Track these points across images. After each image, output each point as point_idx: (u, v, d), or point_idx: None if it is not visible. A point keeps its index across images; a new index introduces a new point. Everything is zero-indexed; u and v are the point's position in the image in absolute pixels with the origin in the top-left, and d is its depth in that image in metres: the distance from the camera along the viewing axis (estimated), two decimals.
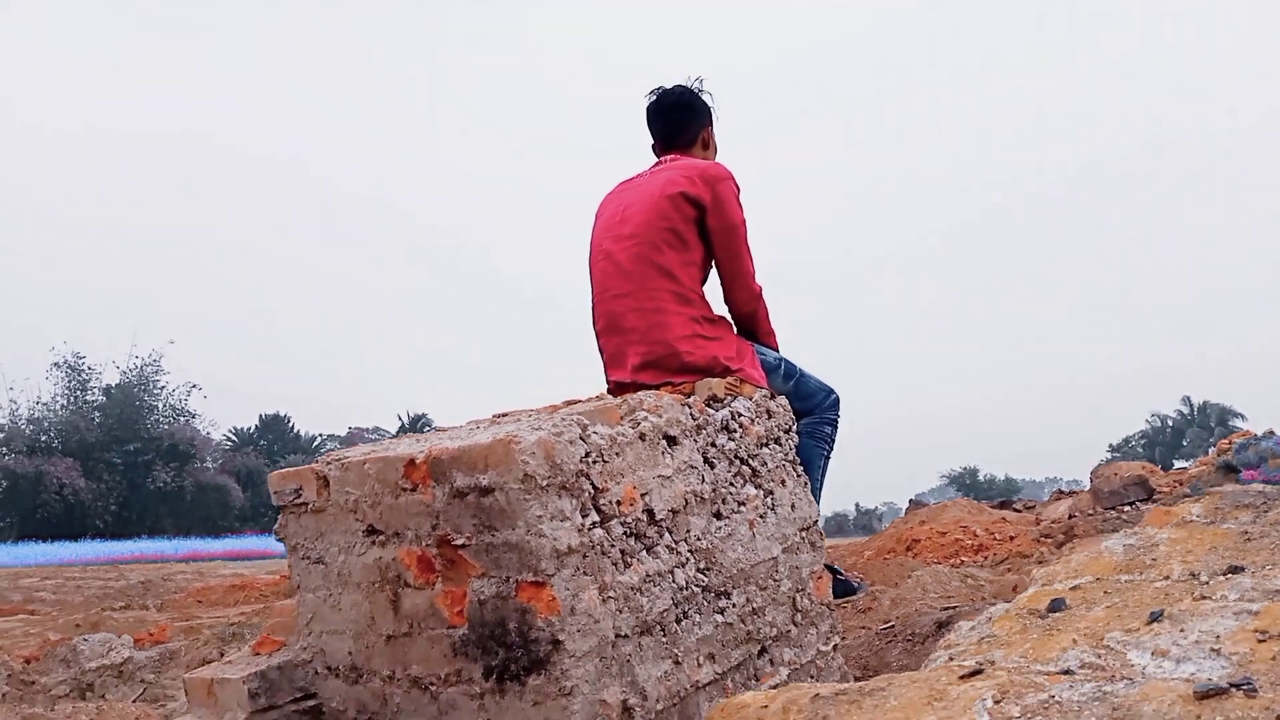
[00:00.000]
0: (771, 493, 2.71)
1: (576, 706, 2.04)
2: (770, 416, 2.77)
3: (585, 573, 2.13)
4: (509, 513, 2.08)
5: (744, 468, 2.63)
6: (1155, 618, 1.00)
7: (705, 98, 3.07)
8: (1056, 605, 1.10)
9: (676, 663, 2.31)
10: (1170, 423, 63.22)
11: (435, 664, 2.24)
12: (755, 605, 2.57)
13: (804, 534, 2.80)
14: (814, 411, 2.98)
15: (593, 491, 2.19)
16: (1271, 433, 4.02)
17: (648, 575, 2.28)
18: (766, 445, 2.73)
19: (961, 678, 1.01)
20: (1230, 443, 4.43)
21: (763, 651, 2.59)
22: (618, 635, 2.17)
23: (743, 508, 2.60)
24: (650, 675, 2.23)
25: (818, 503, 2.92)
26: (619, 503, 2.24)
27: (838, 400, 3.04)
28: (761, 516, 2.65)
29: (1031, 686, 0.93)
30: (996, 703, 0.92)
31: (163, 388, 43.34)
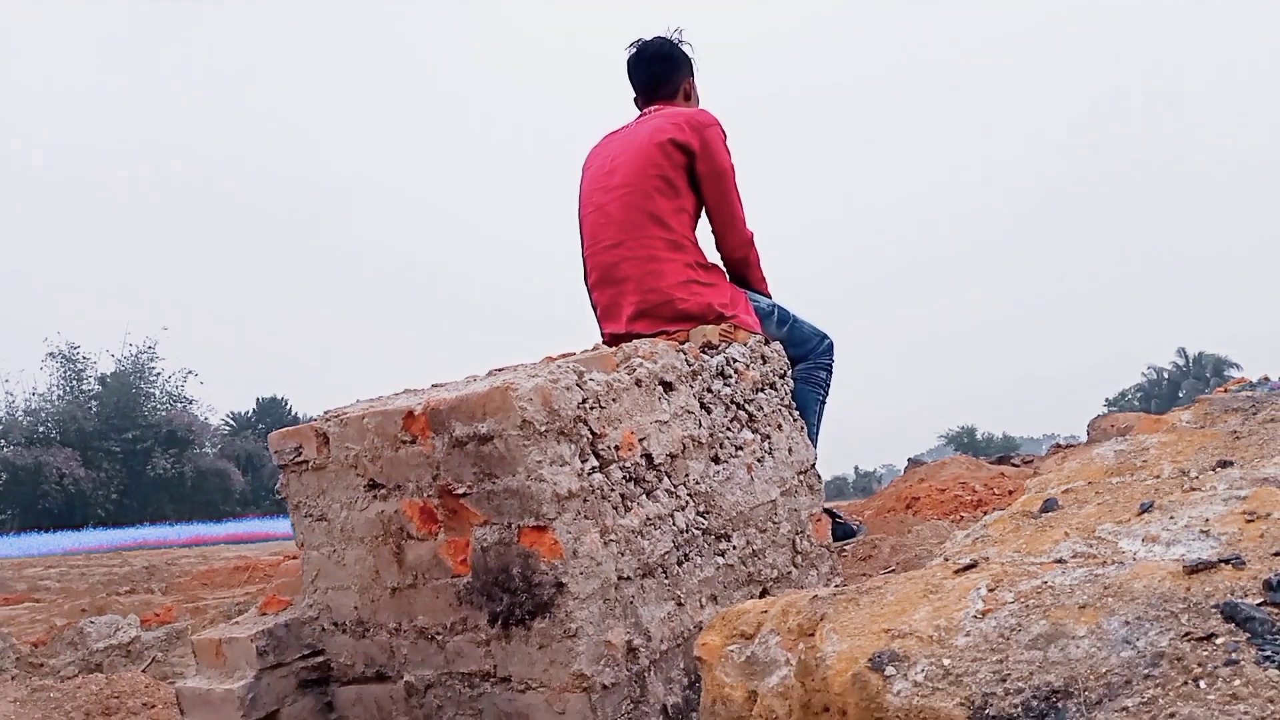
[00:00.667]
0: (769, 437, 2.72)
1: (582, 647, 2.07)
2: (765, 362, 2.78)
3: (586, 516, 2.15)
4: (508, 459, 2.09)
5: (740, 412, 2.65)
6: (1145, 509, 1.02)
7: (685, 48, 3.05)
8: (1049, 505, 1.12)
9: (679, 604, 2.34)
10: (1166, 375, 63.46)
11: (441, 613, 2.26)
12: (755, 547, 2.60)
13: (802, 477, 2.82)
14: (808, 357, 3.00)
15: (591, 437, 2.20)
16: (1266, 379, 4.05)
17: (648, 518, 2.30)
18: (762, 390, 2.74)
19: (956, 572, 1.03)
20: (1225, 390, 4.46)
21: (764, 593, 2.61)
22: (620, 577, 2.19)
23: (740, 452, 2.62)
24: (653, 616, 2.26)
25: (815, 447, 2.94)
26: (617, 447, 2.26)
27: (832, 345, 3.05)
28: (759, 460, 2.67)
29: (1024, 574, 0.95)
30: (990, 590, 0.94)
31: (158, 374, 43.30)
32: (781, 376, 2.84)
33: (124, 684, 3.22)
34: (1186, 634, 0.76)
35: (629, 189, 2.80)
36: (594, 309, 2.97)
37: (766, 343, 2.83)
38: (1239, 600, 0.77)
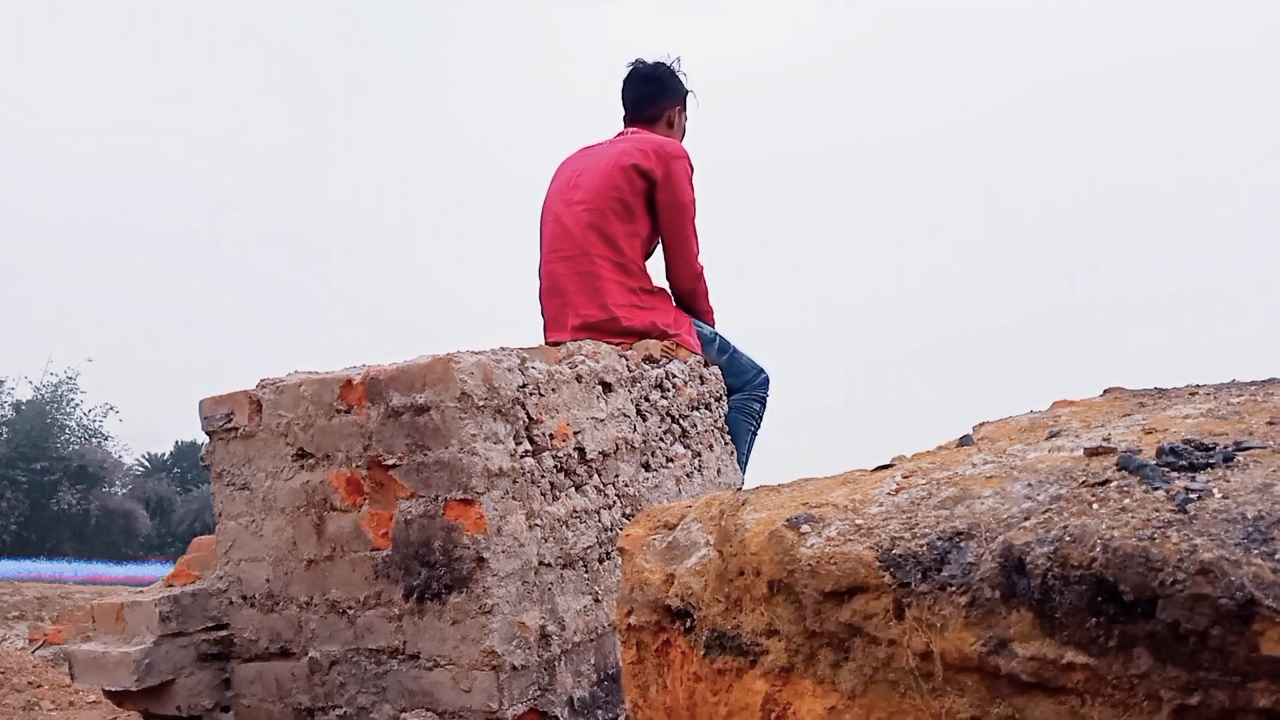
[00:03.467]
0: (699, 454, 2.76)
1: (495, 625, 2.06)
2: (703, 382, 2.83)
3: (514, 497, 2.16)
4: (443, 431, 2.10)
5: (675, 426, 2.69)
6: (1053, 435, 1.08)
7: (679, 78, 3.15)
8: (965, 440, 1.18)
9: (596, 600, 2.34)
10: None
11: (355, 587, 2.24)
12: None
13: None
14: (744, 388, 3.06)
15: (527, 421, 2.23)
16: None
17: (575, 510, 2.31)
18: (698, 409, 2.79)
19: (872, 470, 1.07)
20: None
21: None
22: (541, 563, 2.19)
23: (671, 464, 2.65)
24: (570, 607, 2.26)
25: (743, 475, 2.98)
26: (551, 436, 2.28)
27: (768, 380, 3.12)
28: (688, 475, 2.70)
29: (937, 468, 1.00)
30: (904, 478, 0.99)
31: (76, 406, 42.01)
32: (717, 399, 2.89)
33: (11, 660, 3.10)
34: (1083, 482, 0.81)
35: (587, 206, 2.87)
36: (542, 315, 3.01)
37: (706, 364, 2.89)
38: (1137, 450, 0.82)
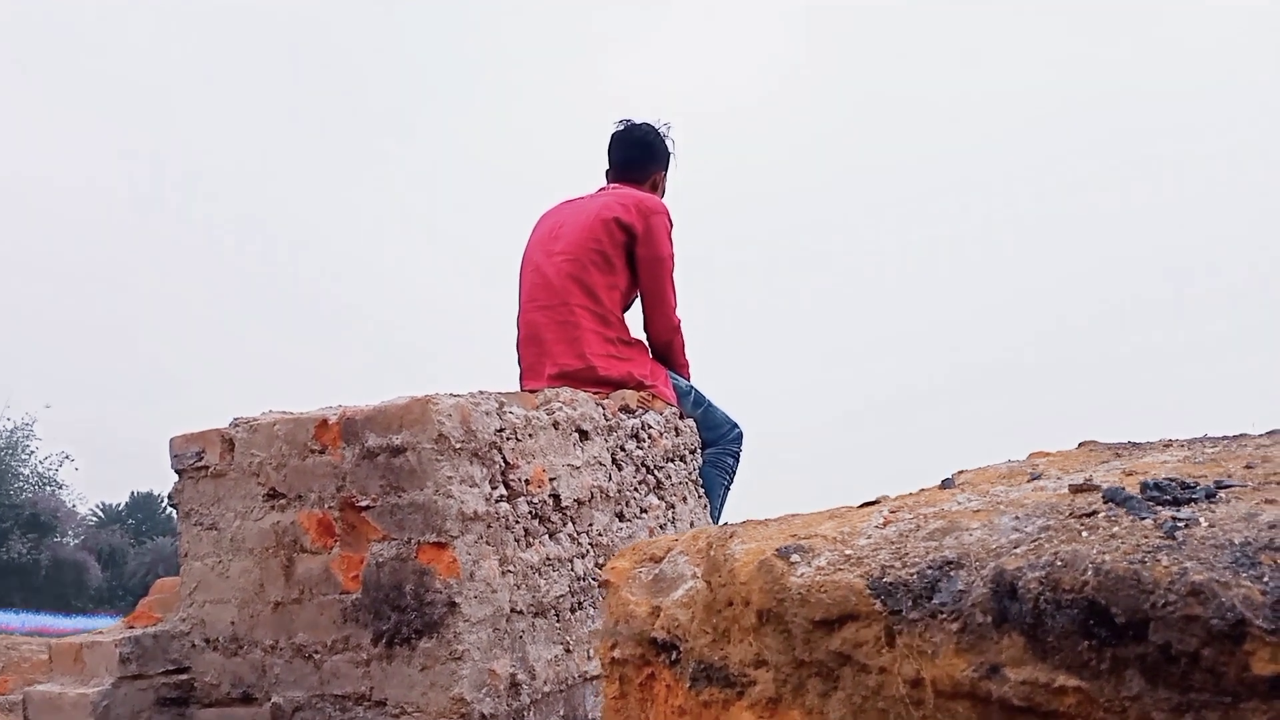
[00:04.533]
0: (673, 506, 2.76)
1: (465, 671, 2.03)
2: (678, 434, 2.84)
3: (488, 542, 2.14)
4: (419, 473, 2.09)
5: (649, 476, 2.69)
6: (1034, 477, 1.10)
7: (668, 143, 3.21)
8: (947, 483, 1.19)
9: (567, 650, 2.31)
10: None
11: (323, 631, 2.20)
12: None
13: None
14: (718, 442, 3.07)
15: (503, 465, 2.22)
16: None
17: (548, 558, 2.30)
18: (672, 460, 2.80)
19: (859, 507, 1.08)
20: None
21: None
22: (513, 610, 2.17)
23: (645, 514, 2.65)
24: (541, 656, 2.23)
25: None
26: (527, 481, 2.27)
27: (741, 435, 3.13)
28: (662, 527, 2.70)
29: (923, 505, 1.01)
30: (891, 513, 1.00)
31: (32, 453, 41.20)
32: (692, 452, 2.90)
33: None
34: (1071, 514, 0.83)
35: (567, 257, 2.90)
36: (519, 364, 3.02)
37: (681, 416, 2.90)
38: (1121, 486, 0.84)
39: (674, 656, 1.01)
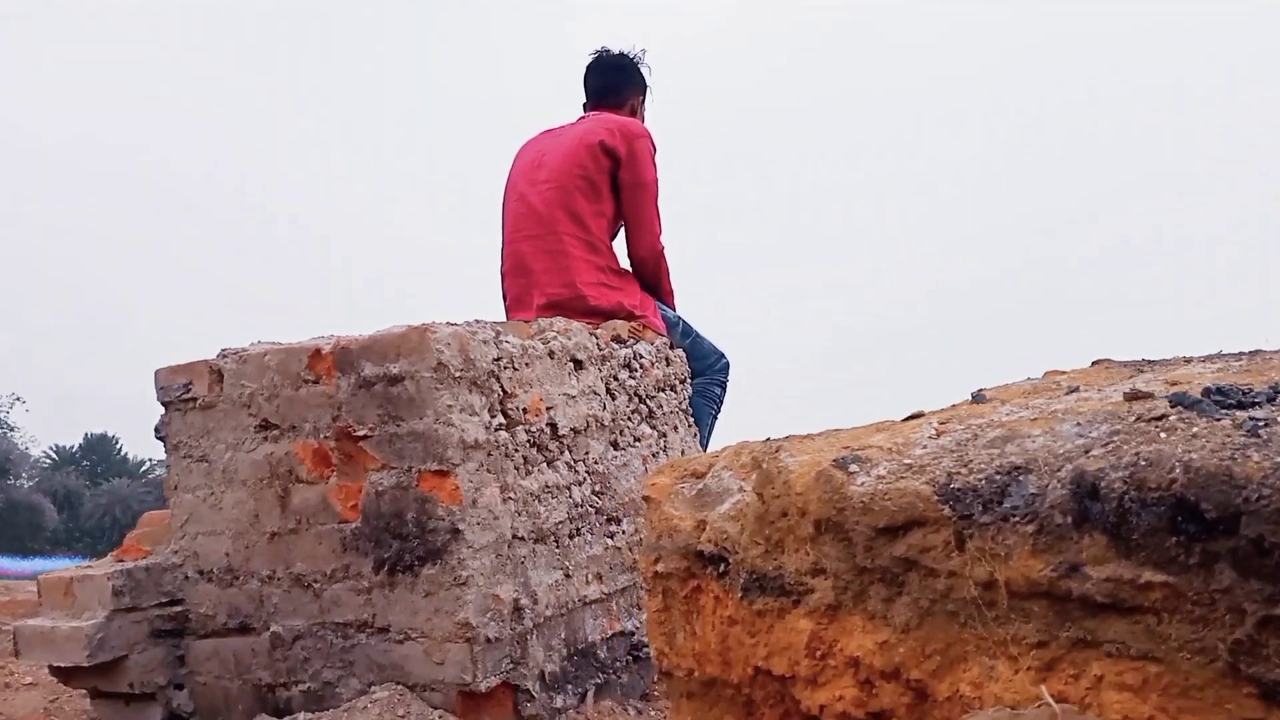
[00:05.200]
0: (665, 435, 2.77)
1: (470, 596, 2.03)
2: (669, 364, 2.84)
3: (489, 470, 2.13)
4: (418, 401, 2.07)
5: (642, 405, 2.69)
6: (1072, 390, 1.11)
7: (643, 69, 3.16)
8: (978, 398, 1.20)
9: (567, 575, 2.32)
10: None
11: (322, 560, 2.19)
12: (643, 536, 2.61)
13: None
14: (706, 372, 3.07)
15: (501, 394, 2.20)
16: None
17: (546, 486, 2.30)
18: (663, 390, 2.80)
19: (903, 420, 1.09)
20: None
21: None
22: (514, 536, 2.17)
23: (638, 443, 2.65)
24: (542, 581, 2.24)
25: None
26: (525, 410, 2.26)
27: (728, 365, 3.14)
28: (654, 455, 2.70)
29: (970, 417, 1.02)
30: (941, 424, 1.00)
31: None
32: (682, 381, 2.90)
33: None
34: (1139, 418, 0.83)
35: (553, 185, 2.85)
36: (504, 297, 2.99)
37: (672, 346, 2.89)
38: (1185, 391, 0.85)
39: (722, 569, 1.01)
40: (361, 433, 2.14)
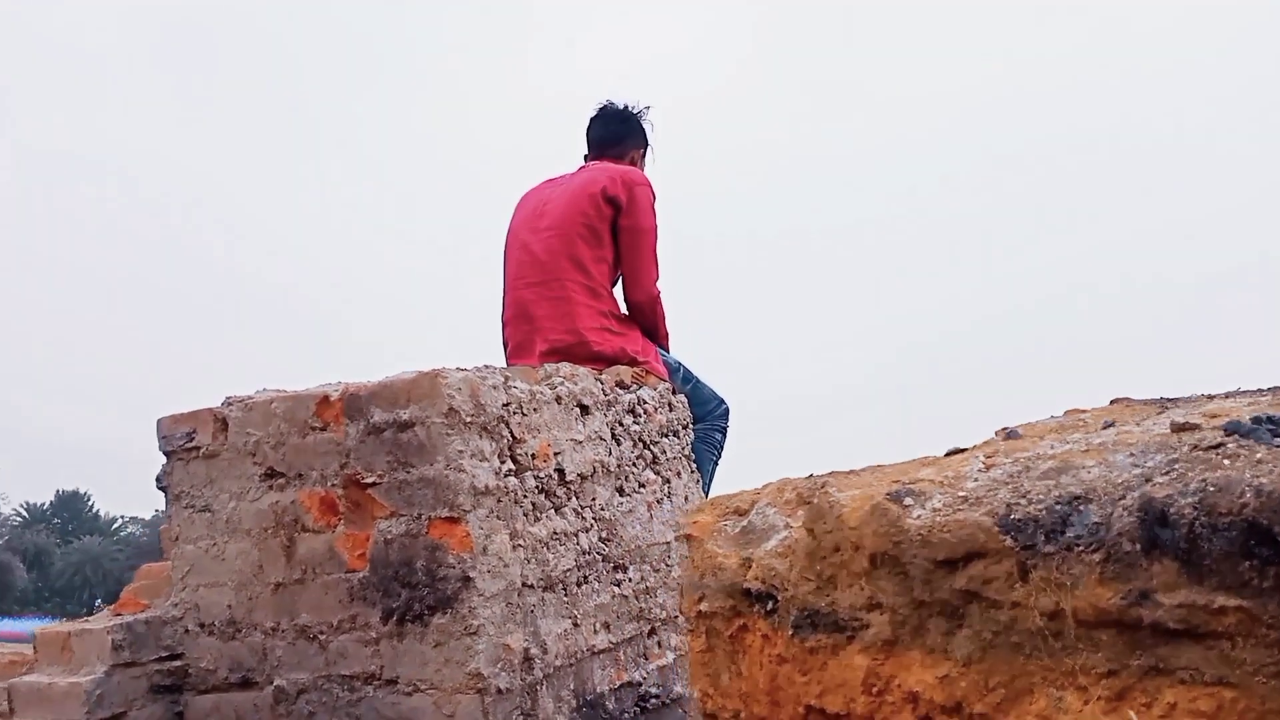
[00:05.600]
0: (669, 481, 2.76)
1: (481, 646, 2.01)
2: (672, 409, 2.84)
3: (498, 517, 2.12)
4: (429, 448, 2.06)
5: (646, 451, 2.69)
6: (1108, 425, 1.12)
7: (646, 125, 3.20)
8: (1012, 434, 1.21)
9: (575, 624, 2.30)
10: None
11: (328, 611, 2.16)
12: (649, 584, 2.60)
13: None
14: (706, 418, 3.07)
15: (510, 440, 2.20)
16: None
17: (554, 533, 2.28)
18: (667, 436, 2.80)
19: (945, 455, 1.09)
20: None
21: (652, 632, 2.60)
22: (524, 584, 2.16)
23: (643, 489, 2.64)
24: (551, 630, 2.22)
25: None
26: (534, 456, 2.25)
27: (728, 410, 3.14)
28: (659, 501, 2.69)
29: (1017, 450, 1.02)
30: (988, 458, 1.01)
31: None
32: (685, 427, 2.90)
33: None
34: (1194, 447, 0.84)
35: (555, 232, 2.87)
36: (505, 345, 2.99)
37: (674, 392, 2.90)
38: (1240, 419, 0.86)
39: (770, 606, 1.01)
40: (370, 480, 2.12)
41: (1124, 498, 0.79)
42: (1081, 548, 0.79)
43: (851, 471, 1.06)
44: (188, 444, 2.36)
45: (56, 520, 46.02)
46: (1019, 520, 0.83)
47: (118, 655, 2.27)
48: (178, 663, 2.34)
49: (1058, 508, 0.82)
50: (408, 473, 2.09)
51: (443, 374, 2.09)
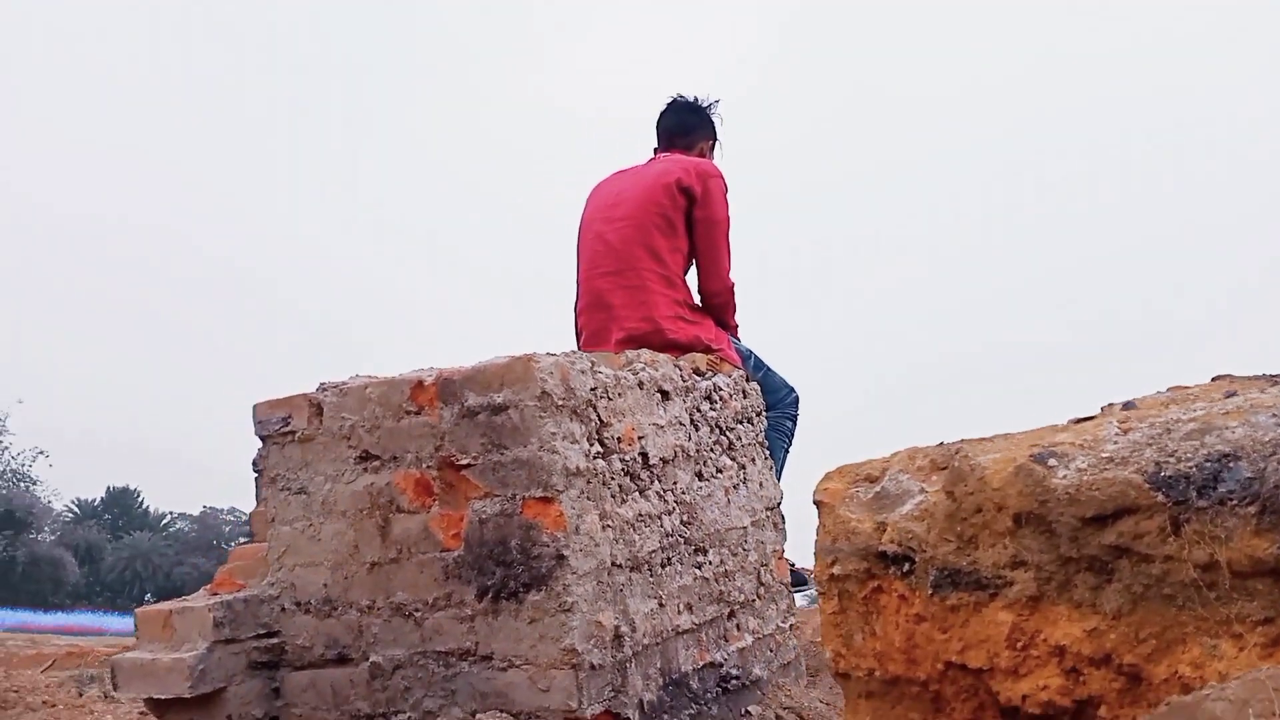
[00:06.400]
0: (744, 467, 2.80)
1: (575, 623, 2.06)
2: (746, 396, 2.88)
3: (588, 498, 2.17)
4: (522, 430, 2.12)
5: (723, 437, 2.73)
6: (1230, 395, 1.14)
7: (715, 118, 3.25)
8: (1129, 404, 1.23)
9: (660, 604, 2.35)
10: None
11: (423, 589, 2.22)
12: (727, 568, 2.64)
13: (769, 513, 2.89)
14: (777, 406, 3.11)
15: (598, 423, 2.25)
16: None
17: (640, 514, 2.33)
18: (741, 422, 2.83)
19: (1075, 422, 1.12)
20: None
21: (731, 614, 2.64)
22: (613, 564, 2.20)
23: (720, 474, 2.68)
24: (639, 610, 2.26)
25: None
26: (619, 439, 2.30)
27: (798, 399, 3.18)
28: (735, 487, 2.74)
29: (1149, 415, 1.05)
30: (1122, 424, 1.04)
31: (5, 449, 40.68)
32: (758, 414, 2.94)
33: (24, 679, 3.00)
34: None
35: (631, 222, 2.92)
36: (578, 335, 3.04)
37: (748, 379, 2.93)
38: None
39: (907, 568, 1.05)
40: (464, 461, 2.18)
41: (1275, 454, 0.82)
42: (1235, 502, 0.82)
43: (983, 438, 1.09)
44: (283, 429, 2.43)
45: (107, 516, 46.89)
46: (1169, 477, 0.86)
47: (218, 632, 2.34)
48: (274, 640, 2.42)
49: (1208, 465, 0.85)
50: (502, 454, 2.14)
51: (535, 358, 2.14)
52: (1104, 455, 0.93)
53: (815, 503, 1.16)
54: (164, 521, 49.10)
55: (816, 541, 1.15)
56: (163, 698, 2.34)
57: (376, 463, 2.31)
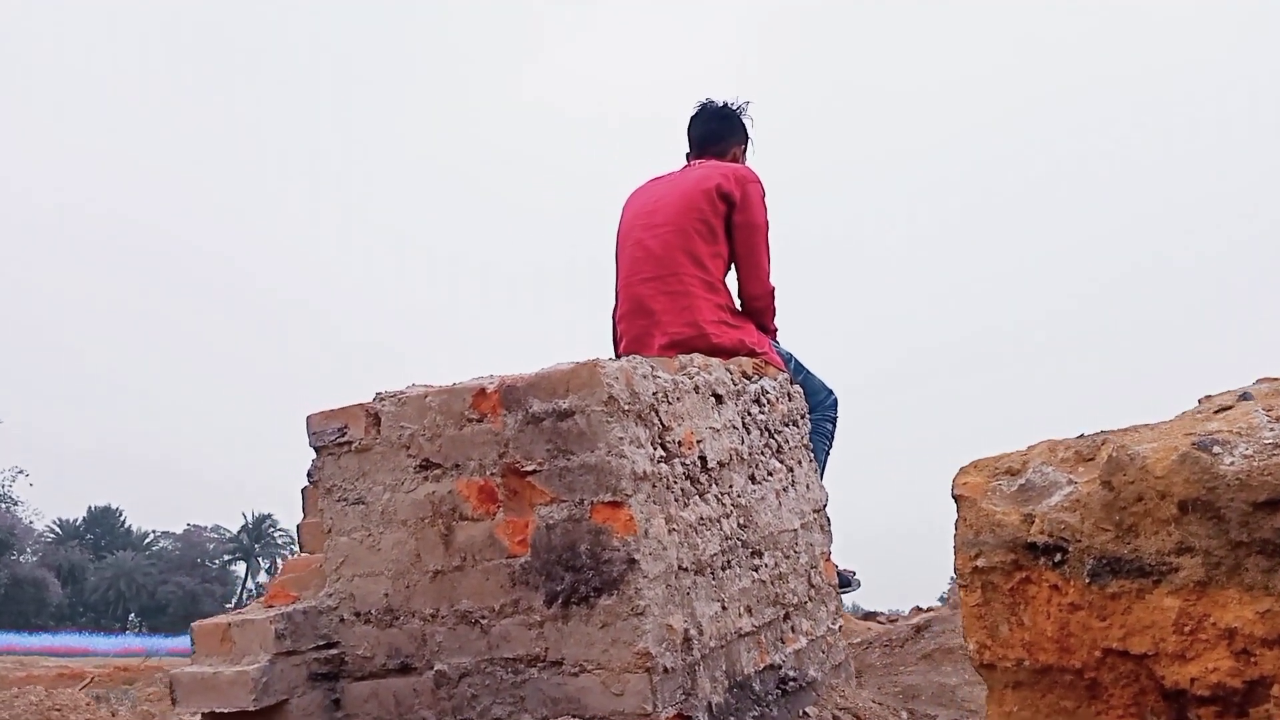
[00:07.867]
0: (792, 470, 2.82)
1: (648, 626, 2.07)
2: (791, 399, 2.90)
3: (655, 501, 2.18)
4: (589, 435, 2.13)
5: (771, 440, 2.74)
6: None
7: (746, 121, 3.28)
8: (1245, 395, 1.25)
9: (723, 607, 2.36)
10: None
11: (489, 596, 2.23)
12: (781, 570, 2.65)
13: (816, 515, 2.91)
14: (817, 409, 3.13)
15: (660, 427, 2.26)
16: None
17: (701, 518, 2.34)
18: (788, 425, 2.85)
19: (1216, 412, 1.14)
20: None
21: (787, 616, 2.65)
22: (680, 567, 2.21)
23: (770, 477, 2.70)
24: (705, 613, 2.27)
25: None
26: (680, 443, 2.32)
27: (837, 401, 3.20)
28: (784, 489, 2.75)
29: None
30: (1269, 410, 1.06)
31: None
32: (803, 416, 2.96)
33: (64, 698, 2.98)
34: None
35: (671, 228, 2.94)
36: (617, 342, 3.05)
37: (791, 382, 2.95)
38: None
39: (1059, 558, 1.06)
40: (530, 468, 2.19)
41: None
42: None
43: (1130, 428, 1.11)
44: (339, 439, 2.43)
45: (89, 536, 46.44)
46: None
47: (280, 644, 2.33)
48: (334, 651, 2.41)
49: None
50: (568, 460, 2.15)
51: (600, 364, 2.15)
52: (1267, 442, 0.95)
53: (954, 496, 1.17)
54: (147, 540, 48.67)
55: (956, 535, 1.16)
56: (225, 711, 2.33)
57: (438, 471, 2.31)
